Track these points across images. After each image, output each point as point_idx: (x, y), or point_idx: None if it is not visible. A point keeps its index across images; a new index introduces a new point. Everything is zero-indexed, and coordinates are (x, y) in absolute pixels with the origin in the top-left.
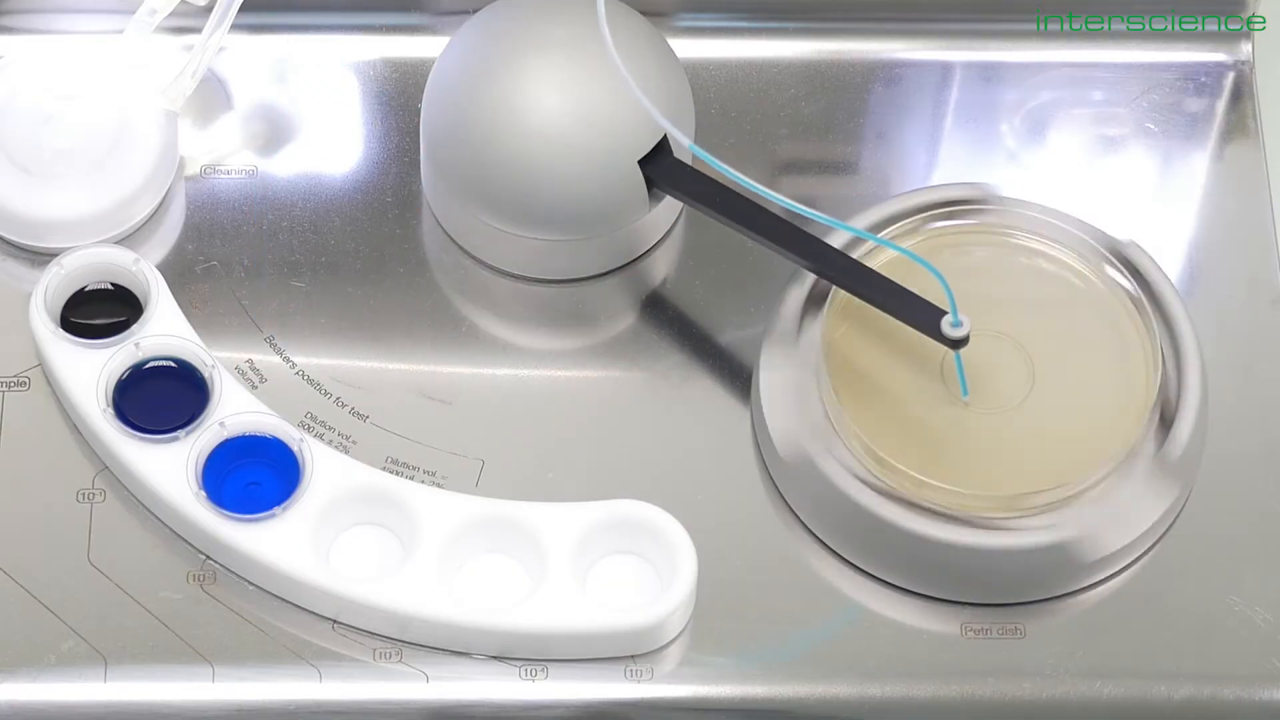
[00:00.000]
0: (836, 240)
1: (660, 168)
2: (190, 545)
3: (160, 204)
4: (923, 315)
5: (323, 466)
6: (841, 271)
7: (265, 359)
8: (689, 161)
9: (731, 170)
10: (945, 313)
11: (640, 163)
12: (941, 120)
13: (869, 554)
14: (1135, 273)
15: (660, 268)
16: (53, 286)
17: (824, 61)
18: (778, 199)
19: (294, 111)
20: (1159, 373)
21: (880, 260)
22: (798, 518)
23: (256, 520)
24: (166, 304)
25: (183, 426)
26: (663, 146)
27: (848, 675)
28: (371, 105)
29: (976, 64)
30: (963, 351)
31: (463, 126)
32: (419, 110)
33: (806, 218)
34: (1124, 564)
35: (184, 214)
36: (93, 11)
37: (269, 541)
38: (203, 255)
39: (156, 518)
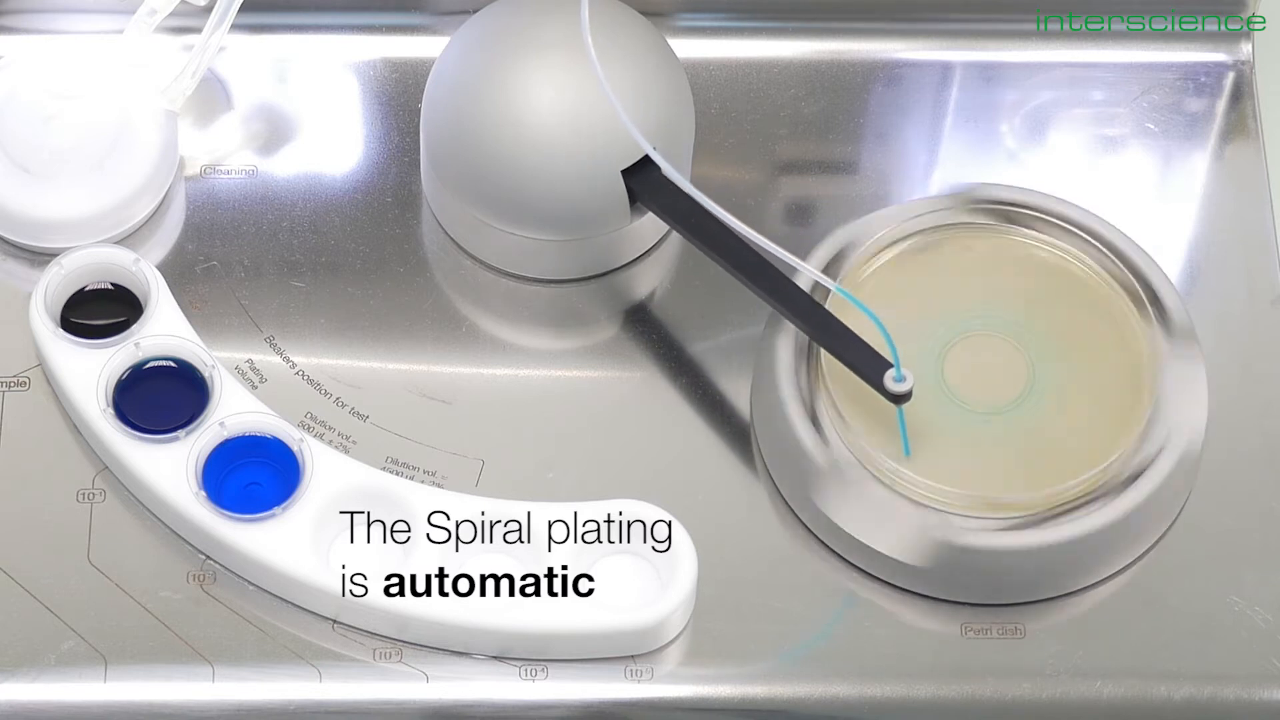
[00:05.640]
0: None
1: (643, 180)
2: (190, 545)
3: (160, 204)
4: (868, 366)
5: (323, 466)
6: (798, 311)
7: (265, 359)
8: (686, 177)
9: (704, 196)
10: (890, 365)
11: (625, 172)
12: (941, 120)
13: (869, 554)
14: (1129, 266)
15: (661, 268)
16: (53, 286)
17: (824, 61)
18: (748, 233)
19: (294, 111)
20: (1159, 367)
21: (876, 264)
22: (797, 517)
23: (256, 520)
24: (166, 304)
25: (183, 426)
26: (652, 159)
27: (848, 675)
28: (371, 105)
29: (976, 64)
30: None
31: (462, 126)
32: (419, 110)
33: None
34: (1124, 564)
35: (184, 214)
36: (93, 11)
37: (269, 541)
38: (203, 255)
39: (156, 518)
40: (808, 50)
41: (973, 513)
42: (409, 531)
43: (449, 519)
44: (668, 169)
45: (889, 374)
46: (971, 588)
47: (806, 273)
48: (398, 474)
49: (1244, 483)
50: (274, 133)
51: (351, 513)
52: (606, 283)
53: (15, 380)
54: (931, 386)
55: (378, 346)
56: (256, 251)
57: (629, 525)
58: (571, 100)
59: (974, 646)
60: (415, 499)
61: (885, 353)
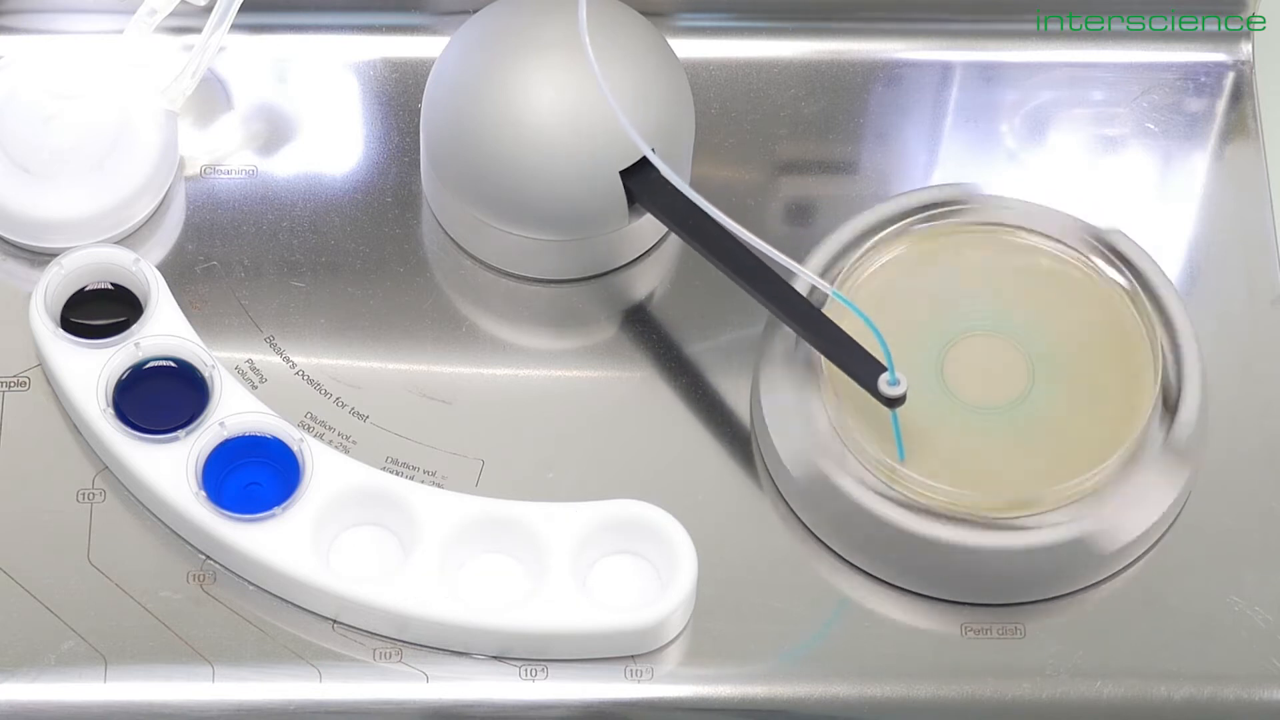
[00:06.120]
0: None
1: (641, 181)
2: (190, 545)
3: (160, 204)
4: (862, 369)
5: (323, 466)
6: (793, 314)
7: (265, 359)
8: (685, 177)
9: (701, 198)
10: (884, 369)
11: (624, 173)
12: (941, 120)
13: (869, 554)
14: (1129, 266)
15: (661, 268)
16: (53, 286)
17: (824, 61)
18: (744, 235)
19: (294, 111)
20: (1159, 367)
21: (875, 265)
22: (797, 517)
23: (256, 520)
24: (166, 304)
25: (183, 426)
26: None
27: (848, 675)
28: (371, 105)
29: (976, 64)
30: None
31: (462, 126)
32: (419, 110)
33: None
34: (1125, 563)
35: (184, 214)
36: (93, 11)
37: (269, 541)
38: (203, 255)
39: (156, 518)
40: (808, 50)
41: (973, 513)
42: (409, 532)
43: (449, 519)
44: (665, 170)
45: (883, 377)
46: (971, 588)
47: (803, 275)
48: (398, 474)
49: (1244, 483)
50: (274, 133)
51: (352, 513)
52: (606, 283)
53: (15, 380)
54: (931, 387)
55: (378, 346)
56: (256, 251)
57: (629, 525)
58: (571, 100)
59: (974, 646)
60: (415, 499)
61: (881, 356)
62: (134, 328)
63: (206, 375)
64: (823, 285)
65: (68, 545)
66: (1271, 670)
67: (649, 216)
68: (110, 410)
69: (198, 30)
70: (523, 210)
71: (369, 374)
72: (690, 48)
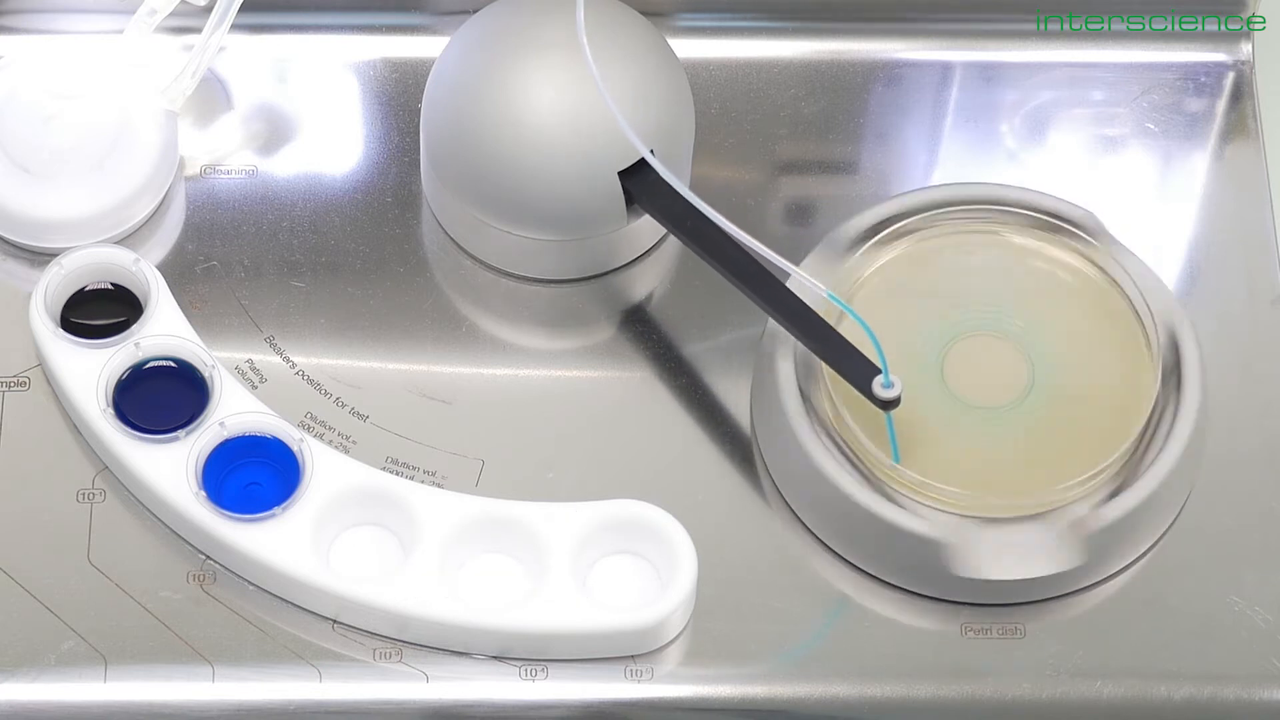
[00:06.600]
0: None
1: (639, 182)
2: (190, 545)
3: (160, 204)
4: (856, 371)
5: (323, 466)
6: (789, 315)
7: (265, 359)
8: (685, 178)
9: (697, 198)
10: (878, 371)
11: (623, 174)
12: (941, 120)
13: (869, 554)
14: (1128, 265)
15: (661, 268)
16: (53, 286)
17: (824, 61)
18: (742, 236)
19: (294, 111)
20: (1159, 366)
21: (875, 265)
22: (797, 517)
23: (256, 520)
24: (166, 304)
25: (183, 426)
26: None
27: (848, 675)
28: (371, 105)
29: (976, 64)
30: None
31: (462, 126)
32: (419, 110)
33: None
34: (1125, 563)
35: (184, 214)
36: (93, 11)
37: (269, 541)
38: (203, 255)
39: (156, 518)
40: (808, 50)
41: (972, 513)
42: (409, 532)
43: (449, 519)
44: (662, 170)
45: (877, 380)
46: (971, 588)
47: (799, 277)
48: (398, 474)
49: (1244, 483)
50: (274, 133)
51: (352, 513)
52: (606, 283)
53: (15, 380)
54: (931, 386)
55: (378, 346)
56: (256, 251)
57: (629, 525)
58: (571, 101)
59: (974, 646)
60: (415, 499)
61: (876, 358)
62: (134, 328)
63: (206, 375)
64: (818, 287)
65: (68, 545)
66: (1271, 670)
67: (648, 217)
68: (110, 410)
69: (198, 30)
70: (522, 210)
71: (369, 374)
72: (690, 48)
